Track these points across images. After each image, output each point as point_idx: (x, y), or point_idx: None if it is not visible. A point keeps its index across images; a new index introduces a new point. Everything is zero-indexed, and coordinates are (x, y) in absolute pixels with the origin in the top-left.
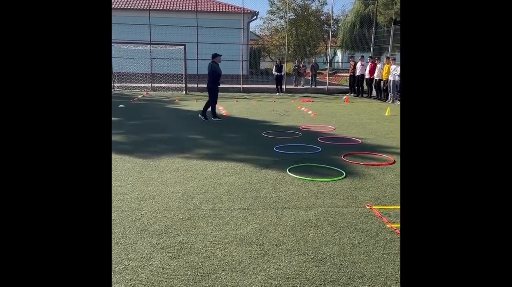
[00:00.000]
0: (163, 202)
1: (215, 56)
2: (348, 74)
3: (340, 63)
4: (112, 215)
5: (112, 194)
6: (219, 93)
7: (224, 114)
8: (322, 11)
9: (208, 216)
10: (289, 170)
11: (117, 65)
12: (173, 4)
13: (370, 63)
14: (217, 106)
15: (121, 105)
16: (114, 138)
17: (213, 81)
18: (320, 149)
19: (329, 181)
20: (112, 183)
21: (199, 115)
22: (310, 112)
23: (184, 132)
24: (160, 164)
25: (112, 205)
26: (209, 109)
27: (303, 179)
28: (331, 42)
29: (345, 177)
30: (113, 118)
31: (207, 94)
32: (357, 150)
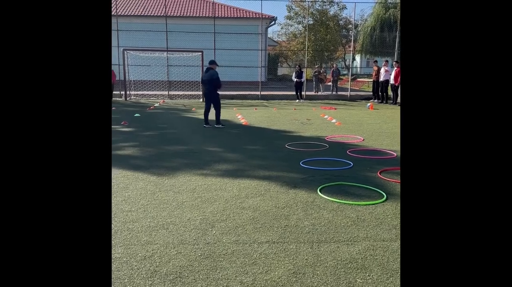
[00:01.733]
0: (179, 233)
1: (213, 62)
2: (369, 80)
3: (359, 68)
4: (119, 251)
5: (121, 222)
6: (235, 100)
7: (243, 123)
8: (341, 15)
9: (232, 253)
10: (320, 190)
11: (133, 73)
12: (191, 11)
13: (395, 68)
14: (235, 115)
15: (136, 115)
16: (128, 151)
17: (215, 89)
18: (352, 164)
19: (368, 204)
20: (122, 207)
21: (215, 125)
22: (334, 120)
23: (201, 144)
24: (176, 183)
25: (120, 236)
26: (206, 115)
27: (338, 202)
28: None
29: (386, 199)
30: (127, 129)
31: (223, 102)
32: (394, 165)
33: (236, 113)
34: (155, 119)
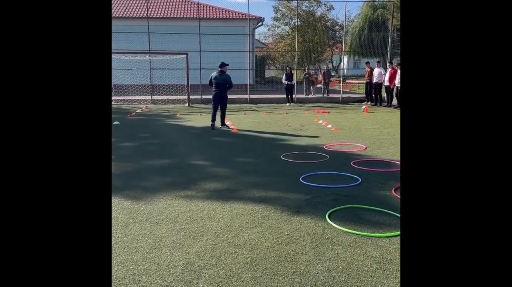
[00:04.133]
0: None
1: (224, 65)
2: (359, 81)
3: (346, 70)
4: None
5: None
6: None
7: (232, 131)
8: (328, 16)
9: None
10: (329, 217)
11: (114, 77)
12: (174, 12)
13: (390, 69)
14: (225, 120)
15: (115, 122)
16: None
17: (226, 91)
18: (360, 179)
19: (391, 236)
20: None
21: (220, 126)
22: (329, 125)
23: (186, 157)
24: (154, 210)
25: None
26: (212, 115)
27: (353, 233)
28: (337, 48)
29: None
30: None
31: (211, 106)
32: None
33: (225, 119)
34: (136, 127)
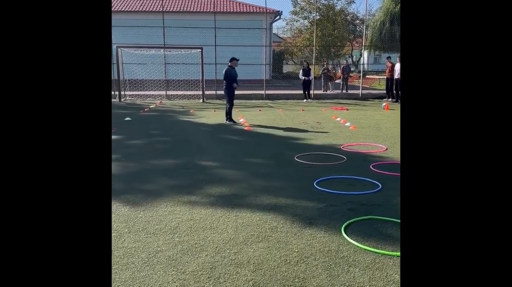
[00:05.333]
0: None
1: (231, 60)
2: (379, 77)
3: (366, 65)
4: None
5: None
6: (237, 100)
7: (245, 129)
8: (348, 10)
9: None
10: (345, 230)
11: (129, 72)
12: (189, 6)
13: None
14: (238, 117)
15: (127, 118)
16: None
17: (228, 86)
18: (380, 185)
19: None
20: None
21: (226, 121)
22: (348, 124)
23: (195, 157)
24: (154, 218)
25: None
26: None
27: (373, 251)
28: (357, 42)
29: None
30: (113, 136)
31: (225, 102)
32: None
33: (239, 116)
34: (147, 124)
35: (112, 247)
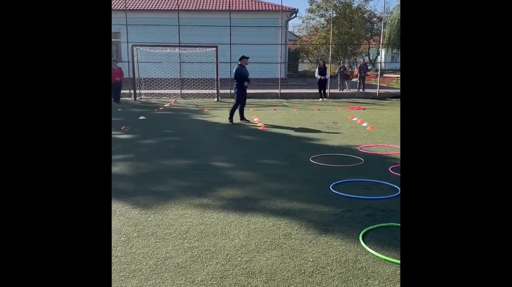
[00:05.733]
0: None
1: (241, 58)
2: (398, 75)
3: (384, 63)
4: None
5: None
6: (252, 99)
7: (259, 128)
8: (365, 8)
9: None
10: (363, 238)
11: (143, 70)
12: (204, 4)
13: None
14: (252, 117)
15: (141, 117)
16: (116, 167)
17: (238, 85)
18: (400, 189)
19: None
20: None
21: (240, 121)
22: (364, 124)
23: (208, 157)
24: (164, 221)
25: None
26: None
27: (392, 262)
28: (375, 40)
29: None
30: (126, 135)
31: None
32: None
33: (253, 115)
34: (161, 123)
35: (120, 253)
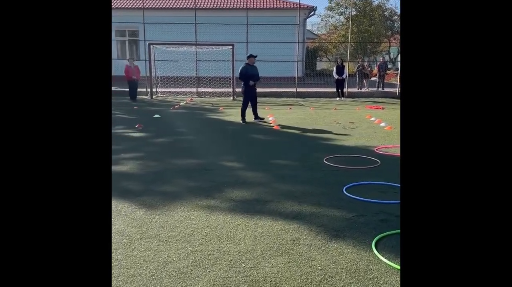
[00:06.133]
0: None
1: (248, 57)
2: None
3: None
4: None
5: None
6: (268, 98)
7: (274, 128)
8: (386, 6)
9: None
10: (376, 246)
11: (160, 69)
12: (222, 2)
13: None
14: (267, 115)
15: (156, 115)
16: (125, 166)
17: (245, 84)
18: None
19: None
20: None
21: (255, 120)
22: (383, 124)
23: (218, 157)
24: (168, 223)
25: None
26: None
27: None
28: (395, 39)
29: None
30: (139, 134)
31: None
32: None
33: (268, 114)
34: (175, 121)
35: (121, 256)
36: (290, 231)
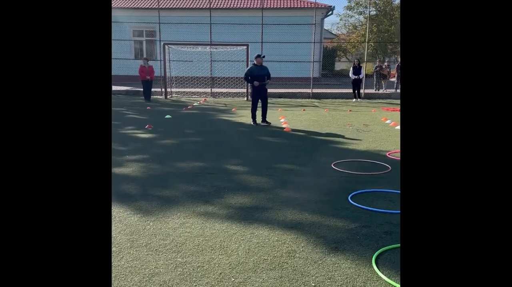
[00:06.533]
0: None
1: (255, 57)
2: None
3: None
4: None
5: None
6: (282, 99)
7: (284, 130)
8: None
9: None
10: (376, 260)
11: (175, 69)
12: (237, 2)
13: None
14: (279, 117)
15: (167, 116)
16: (127, 169)
17: (252, 85)
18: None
19: None
20: None
21: (261, 123)
22: (398, 127)
23: (223, 160)
24: (161, 230)
25: None
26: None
27: None
28: None
29: None
30: (147, 135)
31: (269, 101)
32: None
33: (280, 116)
34: (185, 122)
35: None
36: (287, 242)
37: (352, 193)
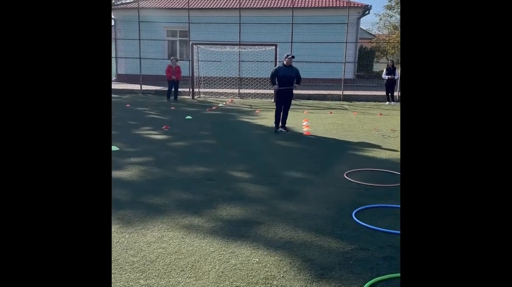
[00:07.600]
0: None
1: (285, 57)
2: None
3: None
4: None
5: None
6: (310, 101)
7: (304, 133)
8: None
9: None
10: None
11: (203, 69)
12: (267, 2)
13: None
14: (302, 120)
15: (187, 117)
16: (127, 172)
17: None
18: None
19: None
20: None
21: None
22: None
23: (229, 165)
24: (136, 244)
25: None
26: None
27: None
28: None
29: None
30: (162, 136)
31: (296, 102)
32: None
33: (304, 118)
34: (202, 124)
35: None
36: (268, 265)
37: (359, 208)
